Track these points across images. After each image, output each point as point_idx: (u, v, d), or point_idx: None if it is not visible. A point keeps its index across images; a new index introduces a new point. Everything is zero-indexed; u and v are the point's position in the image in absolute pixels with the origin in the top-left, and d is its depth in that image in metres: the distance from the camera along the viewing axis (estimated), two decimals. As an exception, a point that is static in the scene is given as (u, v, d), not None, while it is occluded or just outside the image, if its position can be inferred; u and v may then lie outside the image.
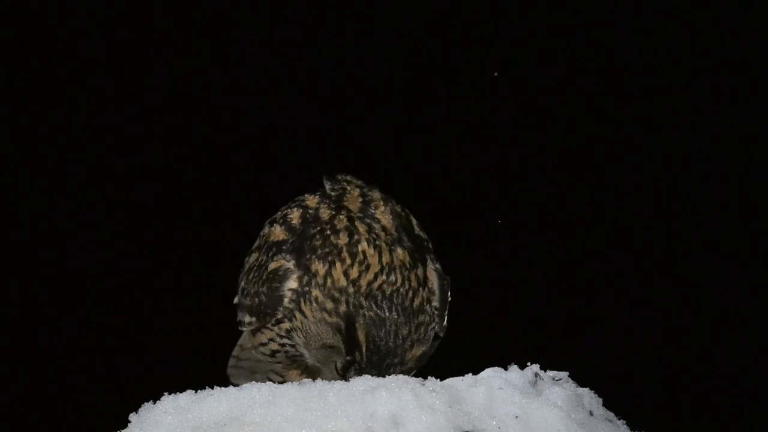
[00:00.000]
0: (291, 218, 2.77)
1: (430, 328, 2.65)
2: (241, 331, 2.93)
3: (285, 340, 2.70)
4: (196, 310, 4.06)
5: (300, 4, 4.16)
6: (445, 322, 2.77)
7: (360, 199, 2.78)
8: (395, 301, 2.57)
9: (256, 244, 2.86)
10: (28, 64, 4.08)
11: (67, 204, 4.10)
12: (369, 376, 2.46)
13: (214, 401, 2.41)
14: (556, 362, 2.59)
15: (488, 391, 2.40)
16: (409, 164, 4.17)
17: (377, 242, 2.65)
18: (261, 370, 2.93)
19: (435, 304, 2.71)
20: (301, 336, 2.66)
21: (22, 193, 4.09)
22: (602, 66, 4.14)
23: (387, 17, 4.15)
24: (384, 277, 2.59)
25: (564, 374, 2.56)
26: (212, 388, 2.46)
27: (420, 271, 2.67)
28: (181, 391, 2.47)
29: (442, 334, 2.79)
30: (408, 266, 2.64)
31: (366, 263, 2.61)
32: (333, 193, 2.80)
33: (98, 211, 4.12)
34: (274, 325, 2.70)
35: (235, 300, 2.91)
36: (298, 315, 2.64)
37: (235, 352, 3.06)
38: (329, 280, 2.61)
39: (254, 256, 2.83)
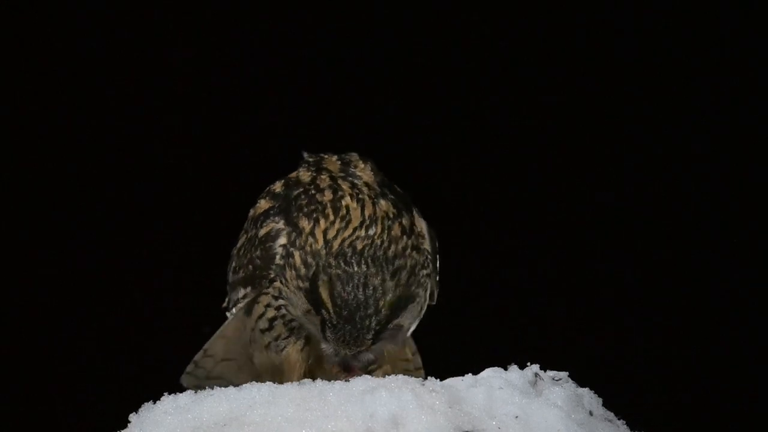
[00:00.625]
0: (274, 188, 2.81)
1: (418, 270, 2.66)
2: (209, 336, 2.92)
3: (280, 302, 2.70)
4: (196, 310, 4.06)
5: (299, 4, 4.16)
6: (437, 277, 2.78)
7: (338, 162, 2.81)
8: (366, 253, 2.58)
9: (243, 228, 2.87)
10: (28, 64, 4.08)
11: (67, 204, 4.10)
12: (369, 377, 2.46)
13: (214, 401, 2.41)
14: (556, 362, 2.59)
15: (488, 391, 2.40)
16: (409, 164, 4.17)
17: (360, 196, 2.68)
18: (227, 372, 2.92)
19: (426, 247, 2.72)
20: (289, 306, 2.67)
21: (22, 193, 4.09)
22: (602, 66, 4.15)
23: (386, 17, 4.16)
24: (362, 231, 2.61)
25: (564, 374, 2.56)
26: (212, 388, 2.47)
27: (405, 220, 2.69)
28: (181, 391, 2.47)
29: (436, 296, 2.80)
30: (391, 216, 2.66)
31: (348, 218, 2.63)
32: (311, 159, 2.83)
33: (98, 211, 4.12)
34: (267, 288, 2.70)
35: (225, 302, 2.91)
36: (283, 281, 2.66)
37: (197, 356, 2.99)
38: (309, 241, 2.63)
39: (242, 239, 2.84)
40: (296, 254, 2.64)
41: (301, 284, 2.62)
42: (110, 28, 4.10)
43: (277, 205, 2.75)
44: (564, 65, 4.16)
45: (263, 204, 2.80)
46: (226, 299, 2.89)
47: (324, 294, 2.56)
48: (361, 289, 2.55)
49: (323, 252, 2.60)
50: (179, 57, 4.13)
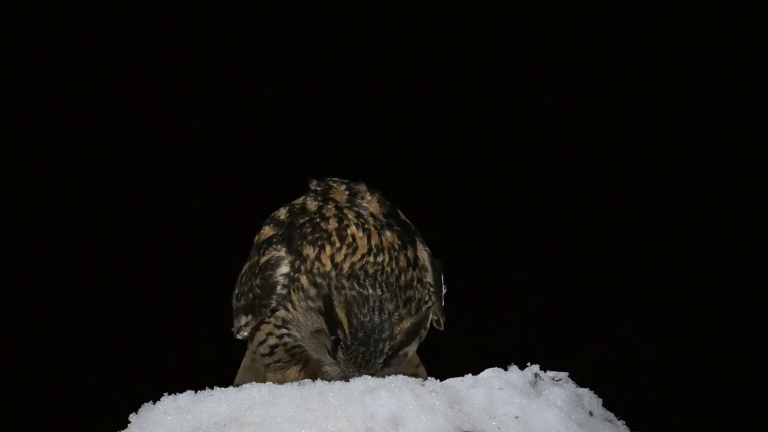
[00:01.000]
0: (278, 215, 2.80)
1: (423, 303, 2.66)
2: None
3: (282, 331, 2.69)
4: (196, 310, 4.06)
5: (299, 4, 4.16)
6: (443, 303, 2.78)
7: (346, 192, 2.80)
8: (379, 278, 2.58)
9: (249, 254, 2.87)
10: (28, 64, 4.08)
11: (67, 204, 4.10)
12: (369, 377, 2.46)
13: (214, 401, 2.41)
14: (556, 362, 2.59)
15: (488, 392, 2.40)
16: (409, 164, 4.17)
17: (366, 226, 2.67)
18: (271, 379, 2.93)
19: (428, 280, 2.72)
20: (294, 328, 2.66)
21: (22, 193, 4.09)
22: (602, 66, 4.15)
23: (386, 17, 4.16)
24: (371, 258, 2.61)
25: (564, 374, 2.56)
26: (212, 388, 2.46)
27: (410, 253, 2.68)
28: (181, 391, 2.47)
29: (443, 323, 2.80)
30: (397, 247, 2.66)
31: (354, 245, 2.63)
32: (318, 188, 2.83)
33: (98, 211, 4.12)
34: (269, 316, 2.70)
35: (233, 326, 2.91)
36: (290, 306, 2.65)
37: (237, 379, 3.05)
38: (316, 265, 2.62)
39: (246, 265, 2.84)
40: (303, 278, 2.64)
41: (312, 304, 2.61)
42: (110, 28, 4.10)
43: (280, 233, 2.74)
44: (564, 65, 4.16)
45: (267, 231, 2.79)
46: (234, 322, 2.90)
47: (341, 314, 2.54)
48: (376, 313, 2.54)
49: (333, 273, 2.60)
50: (179, 57, 4.13)
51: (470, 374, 2.48)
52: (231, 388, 2.43)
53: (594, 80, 4.16)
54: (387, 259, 2.62)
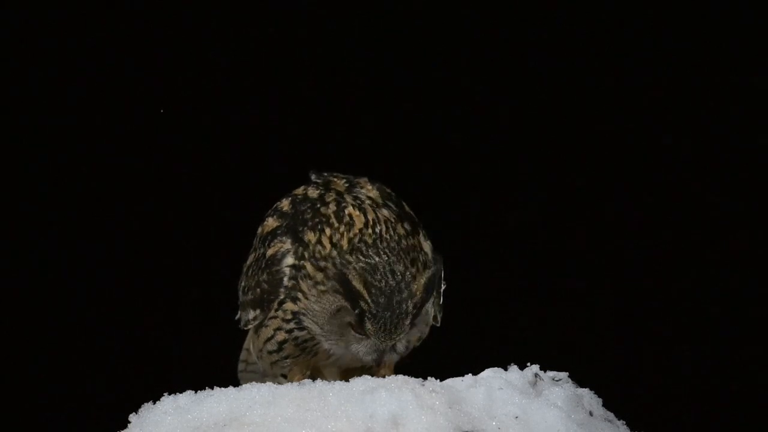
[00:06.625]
0: (281, 207, 2.82)
1: (428, 263, 2.69)
2: (246, 333, 2.94)
3: (292, 325, 2.70)
4: (196, 310, 4.06)
5: (298, 3, 4.16)
6: (441, 300, 2.80)
7: (346, 184, 2.84)
8: (380, 245, 2.63)
9: (253, 245, 2.88)
10: (28, 64, 4.08)
11: (68, 203, 4.10)
12: (368, 377, 2.47)
13: (214, 401, 2.41)
14: (556, 362, 2.59)
15: (488, 392, 2.41)
16: (409, 164, 4.17)
17: (363, 206, 2.72)
18: (271, 374, 2.93)
19: (428, 264, 2.73)
20: (310, 319, 2.67)
21: (22, 193, 4.09)
22: (602, 66, 4.14)
23: (385, 15, 4.16)
24: (368, 230, 2.66)
25: (564, 374, 2.56)
26: (212, 388, 2.47)
27: (408, 226, 2.72)
28: (181, 391, 2.47)
29: (439, 319, 2.81)
30: (393, 220, 2.70)
31: (351, 223, 2.67)
32: (319, 180, 2.86)
33: (98, 210, 4.12)
34: (277, 310, 2.70)
35: (238, 316, 2.91)
36: (300, 296, 2.66)
37: (243, 356, 3.07)
38: (317, 249, 2.66)
39: (251, 256, 2.85)
40: (307, 265, 2.67)
41: (323, 287, 2.64)
42: (109, 28, 4.10)
43: (284, 224, 2.76)
44: (564, 65, 4.16)
45: (271, 222, 2.81)
46: (239, 313, 2.90)
47: (359, 285, 2.57)
48: (390, 276, 2.57)
49: (334, 253, 2.63)
50: (178, 57, 4.13)
51: (470, 374, 2.49)
52: (231, 388, 2.44)
53: (594, 80, 4.15)
54: (384, 228, 2.66)
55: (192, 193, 4.14)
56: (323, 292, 2.63)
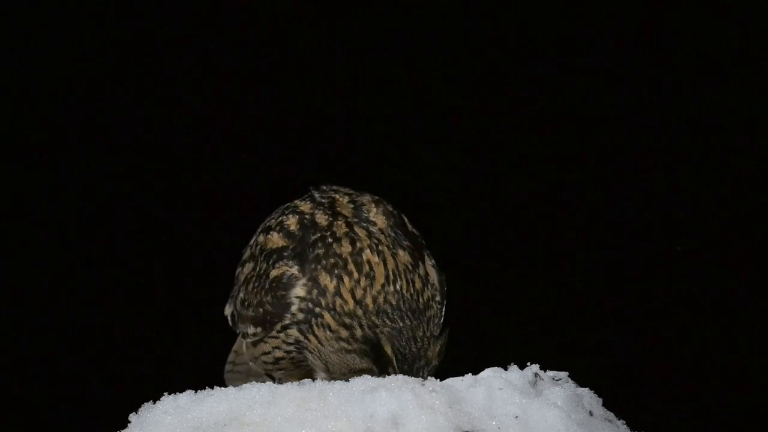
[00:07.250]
0: (288, 224, 2.78)
1: (436, 320, 2.72)
2: (236, 336, 2.94)
3: (292, 348, 2.71)
4: (196, 310, 4.06)
5: (297, 3, 4.16)
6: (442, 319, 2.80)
7: (351, 205, 2.80)
8: (403, 308, 2.65)
9: (248, 253, 2.86)
10: (28, 64, 4.08)
11: (66, 203, 4.10)
12: (368, 377, 2.46)
13: (214, 401, 2.41)
14: (556, 362, 2.59)
15: (488, 392, 2.41)
16: (409, 164, 4.17)
17: (380, 248, 2.69)
18: (257, 374, 2.94)
19: (438, 299, 2.75)
20: (319, 360, 2.69)
21: (22, 193, 4.09)
22: (602, 66, 4.15)
23: (386, 15, 4.16)
24: (390, 287, 2.66)
25: (564, 374, 2.56)
26: (212, 388, 2.47)
27: (422, 270, 2.72)
28: (181, 391, 2.47)
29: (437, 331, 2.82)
30: (410, 267, 2.70)
31: (372, 275, 2.66)
32: (324, 200, 2.83)
33: (98, 211, 4.12)
34: (280, 332, 2.71)
35: (226, 311, 2.92)
36: (311, 338, 2.67)
37: (231, 357, 3.10)
38: (338, 302, 2.65)
39: (249, 265, 2.83)
40: (326, 315, 2.67)
41: (347, 346, 2.65)
42: (109, 28, 4.10)
43: (291, 247, 2.74)
44: (564, 65, 4.16)
45: (276, 239, 2.78)
46: (230, 311, 2.90)
47: (389, 351, 2.61)
48: (412, 342, 2.62)
49: (359, 312, 2.64)
50: (178, 57, 4.14)
51: (470, 374, 2.49)
52: (231, 388, 2.44)
53: (594, 80, 4.16)
54: (405, 285, 2.67)
55: (192, 193, 4.14)
56: (348, 350, 2.66)
